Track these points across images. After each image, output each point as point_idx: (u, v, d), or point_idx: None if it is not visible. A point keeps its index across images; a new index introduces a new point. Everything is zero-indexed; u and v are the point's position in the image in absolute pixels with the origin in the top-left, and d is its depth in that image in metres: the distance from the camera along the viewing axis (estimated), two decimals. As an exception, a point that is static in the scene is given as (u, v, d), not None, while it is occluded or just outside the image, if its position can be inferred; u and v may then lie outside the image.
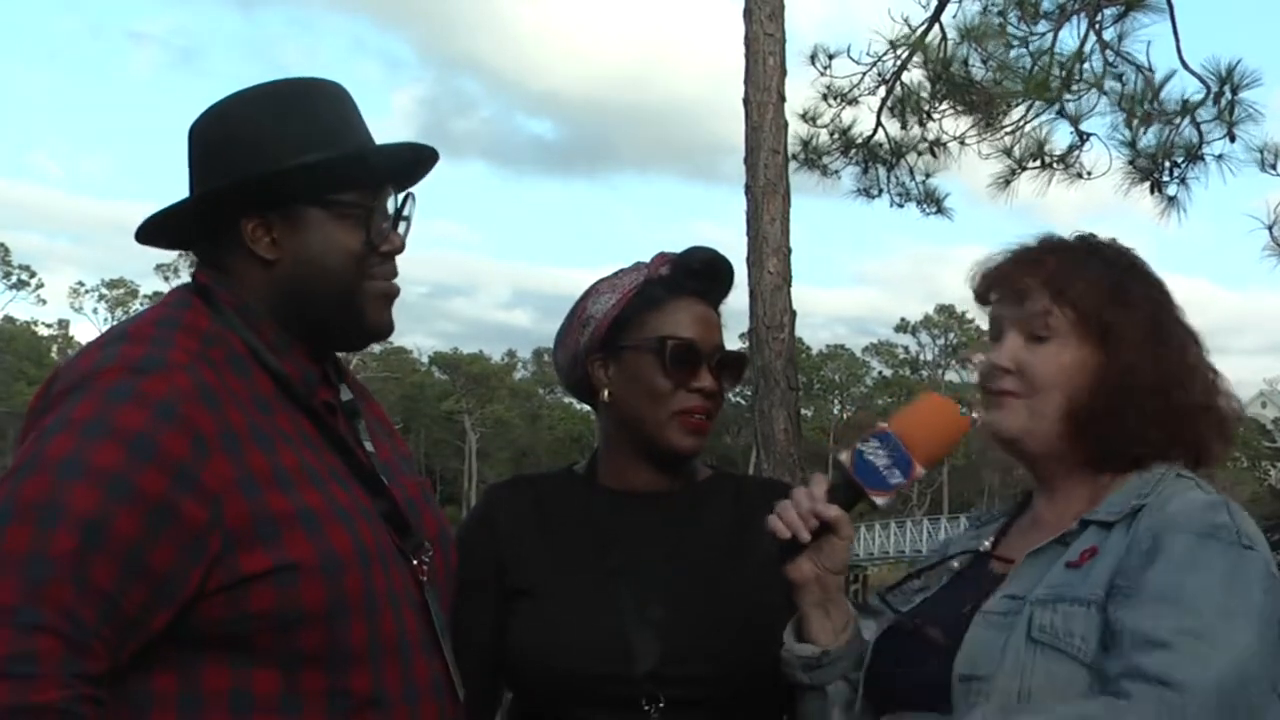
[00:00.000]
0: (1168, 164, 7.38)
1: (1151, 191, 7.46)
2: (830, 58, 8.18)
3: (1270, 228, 7.15)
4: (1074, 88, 7.34)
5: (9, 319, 77.42)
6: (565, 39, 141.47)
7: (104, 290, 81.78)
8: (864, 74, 8.11)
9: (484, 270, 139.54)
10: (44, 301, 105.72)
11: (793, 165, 7.27)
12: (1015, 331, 1.84)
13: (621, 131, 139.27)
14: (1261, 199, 8.01)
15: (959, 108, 7.92)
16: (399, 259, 1.89)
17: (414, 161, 1.92)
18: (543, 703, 2.04)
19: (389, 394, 65.03)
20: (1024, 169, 7.91)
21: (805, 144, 8.15)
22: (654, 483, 2.13)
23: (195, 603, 1.63)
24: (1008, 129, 7.87)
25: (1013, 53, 7.56)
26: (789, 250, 6.31)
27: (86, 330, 78.27)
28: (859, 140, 8.31)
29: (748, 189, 6.39)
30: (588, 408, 2.22)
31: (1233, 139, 7.18)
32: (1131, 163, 7.49)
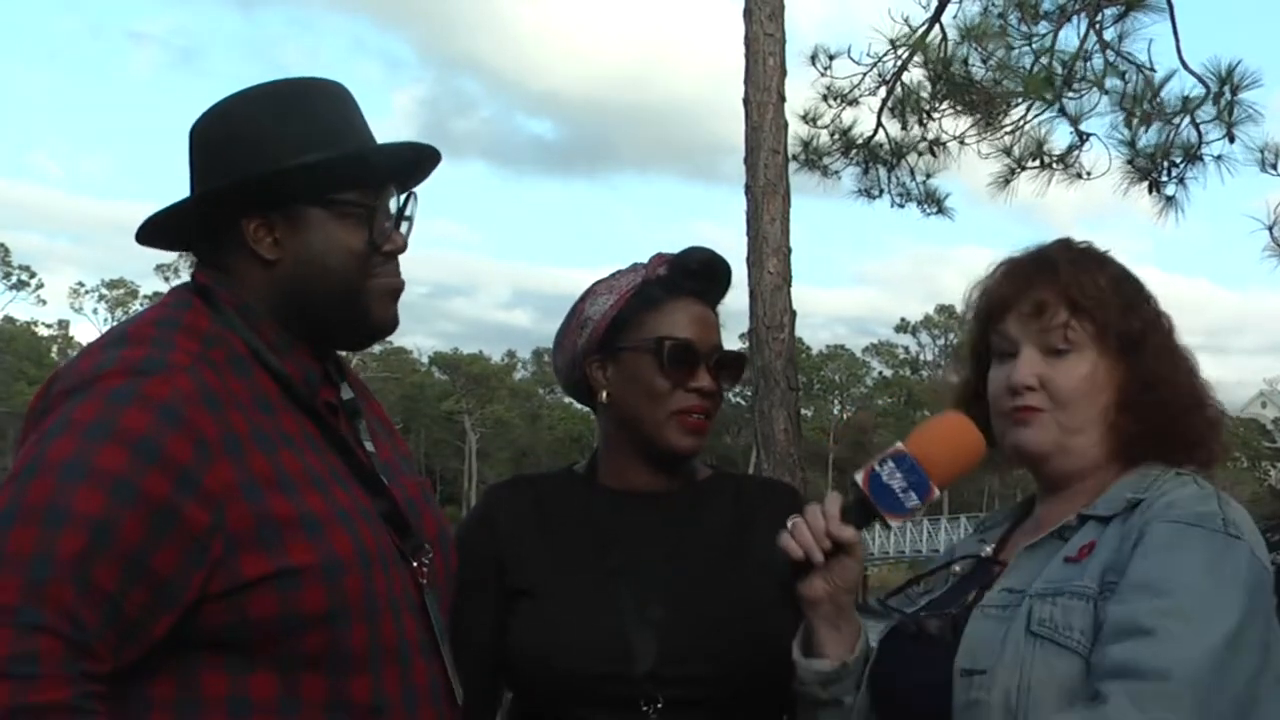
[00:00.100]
0: (1166, 164, 7.38)
1: (1150, 191, 7.47)
2: (830, 58, 8.18)
3: (1270, 228, 7.15)
4: (1075, 86, 7.34)
5: (9, 319, 77.45)
6: (565, 39, 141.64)
7: (104, 290, 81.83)
8: (864, 74, 8.11)
9: (484, 270, 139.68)
10: (44, 302, 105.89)
11: (793, 165, 7.27)
12: (1031, 347, 1.82)
13: (621, 131, 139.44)
14: (1261, 199, 8.02)
15: (959, 107, 7.92)
16: (400, 258, 1.88)
17: (416, 161, 1.91)
18: (542, 703, 2.04)
19: (389, 394, 64.97)
20: (1023, 169, 7.91)
21: (805, 144, 8.15)
22: (653, 483, 2.13)
23: (196, 607, 1.62)
24: (1007, 128, 7.87)
25: (1014, 52, 7.56)
26: (789, 250, 6.31)
27: (86, 330, 78.37)
28: (859, 141, 8.31)
29: (748, 189, 6.39)
30: (588, 408, 2.23)
31: (1232, 139, 7.18)
32: (1130, 162, 7.50)
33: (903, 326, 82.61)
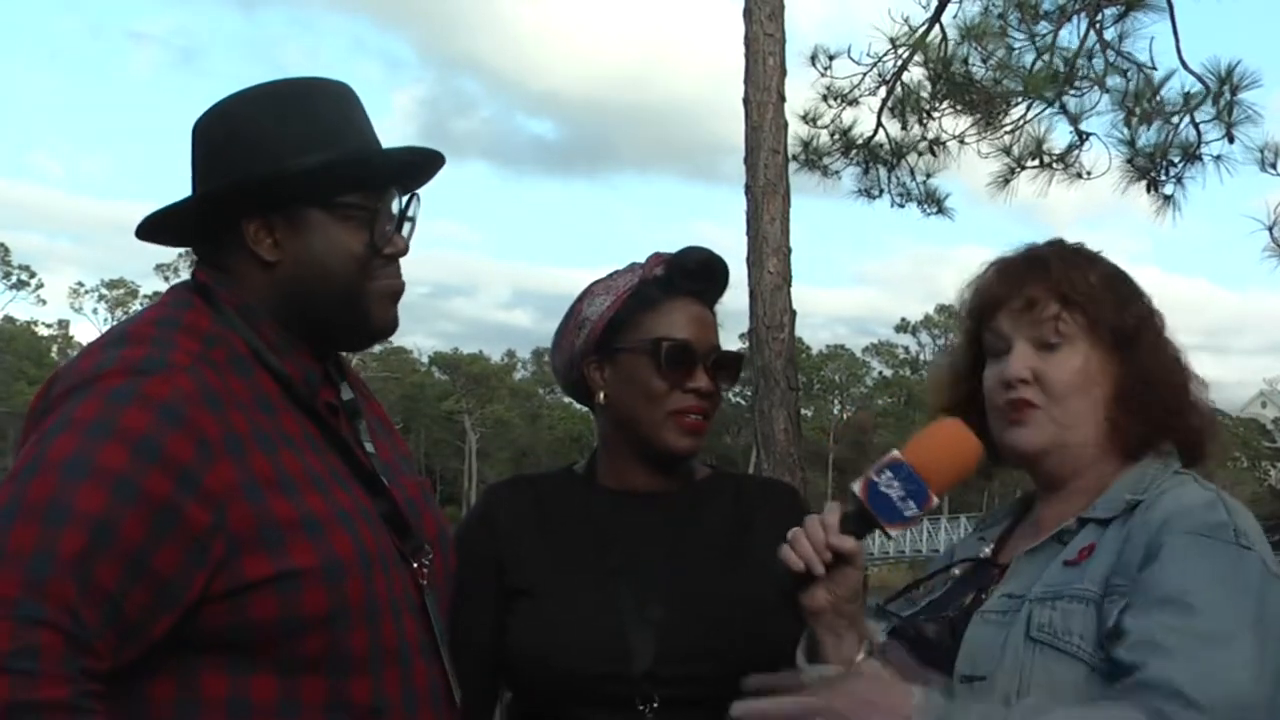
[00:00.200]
0: (1164, 163, 7.38)
1: (1148, 190, 7.47)
2: (830, 58, 8.17)
3: (1270, 228, 7.14)
4: (1076, 85, 7.35)
5: (9, 319, 77.40)
6: (565, 39, 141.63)
7: (104, 290, 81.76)
8: (864, 74, 8.11)
9: (484, 270, 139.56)
10: (44, 301, 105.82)
11: (793, 166, 7.26)
12: (1024, 342, 1.82)
13: (622, 131, 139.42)
14: (1261, 199, 8.02)
15: (959, 107, 7.92)
16: (401, 259, 1.88)
17: (418, 163, 1.91)
18: (541, 702, 2.04)
19: (389, 394, 64.96)
20: (1023, 168, 7.91)
21: (805, 144, 8.14)
22: (652, 483, 2.13)
23: (197, 608, 1.62)
24: (1007, 128, 7.87)
25: (1017, 49, 7.56)
26: (789, 250, 6.31)
27: (86, 330, 78.32)
28: (859, 141, 8.30)
29: (748, 189, 6.38)
30: (587, 408, 2.23)
31: (1231, 139, 7.18)
32: (1130, 161, 7.50)
33: (903, 326, 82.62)
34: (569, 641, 2.00)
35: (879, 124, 8.24)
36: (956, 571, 1.92)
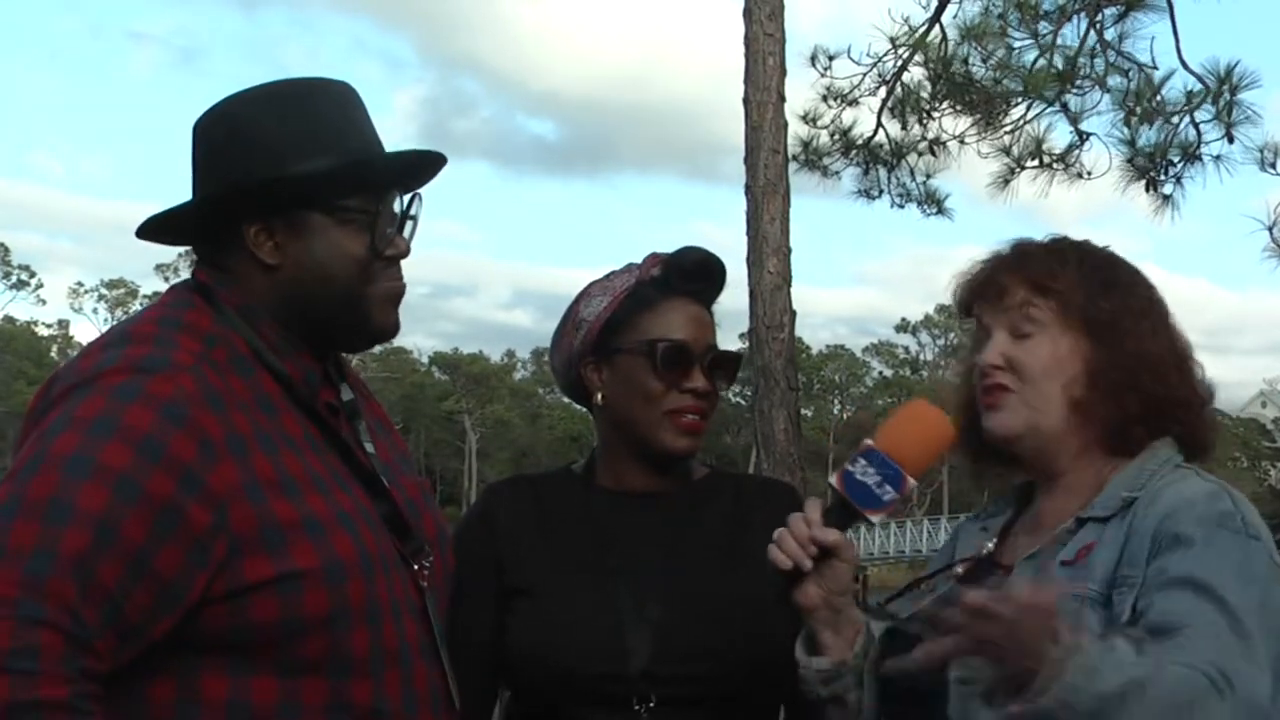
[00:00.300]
0: (1164, 163, 7.38)
1: (1147, 190, 7.47)
2: (830, 59, 8.17)
3: (1270, 228, 7.15)
4: (1077, 84, 7.35)
5: (9, 319, 77.36)
6: (565, 39, 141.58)
7: (104, 290, 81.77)
8: (864, 75, 8.11)
9: (484, 270, 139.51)
10: (44, 301, 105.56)
11: (793, 165, 7.26)
12: (1000, 330, 1.85)
13: (622, 131, 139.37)
14: (1261, 199, 8.03)
15: (959, 107, 7.92)
16: (402, 260, 1.87)
17: (420, 165, 1.90)
18: (539, 701, 2.04)
19: (389, 394, 64.95)
20: (1023, 168, 7.91)
21: (805, 144, 8.14)
22: (650, 483, 2.13)
23: (197, 609, 1.62)
24: (1007, 128, 7.87)
25: (1015, 51, 7.57)
26: (789, 250, 6.31)
27: (86, 330, 78.30)
28: (859, 141, 8.30)
29: (748, 189, 6.38)
30: (586, 409, 2.23)
31: (1231, 139, 7.18)
32: (1130, 161, 7.50)
33: (903, 326, 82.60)
34: (567, 641, 2.00)
35: (879, 124, 8.24)
36: (959, 570, 1.92)
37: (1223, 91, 7.11)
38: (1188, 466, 1.79)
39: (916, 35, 7.82)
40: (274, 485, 1.67)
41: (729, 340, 2.17)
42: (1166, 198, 7.53)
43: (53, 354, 73.90)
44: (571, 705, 2.00)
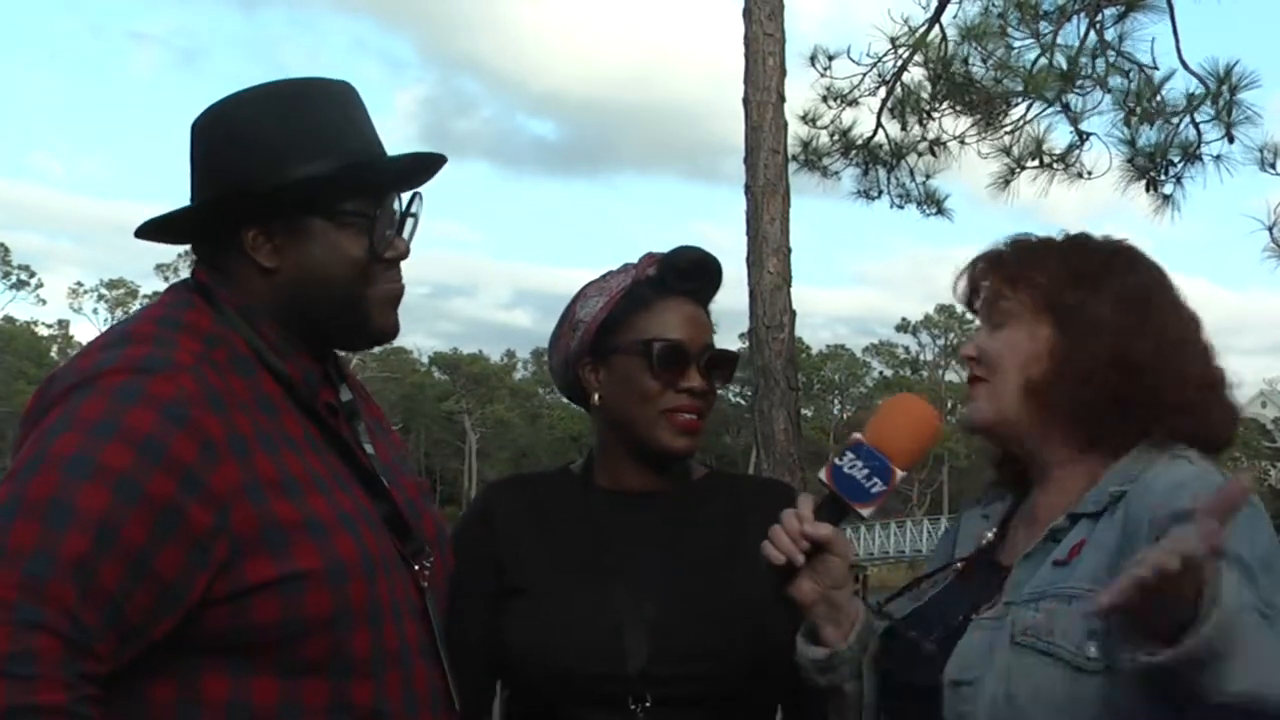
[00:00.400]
0: (1164, 163, 7.38)
1: (1146, 189, 7.46)
2: (830, 59, 8.16)
3: (1270, 228, 7.14)
4: (1078, 83, 7.34)
5: (9, 319, 77.31)
6: (566, 39, 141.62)
7: (104, 290, 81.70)
8: (864, 75, 8.10)
9: (484, 270, 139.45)
10: (44, 301, 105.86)
11: (793, 166, 7.26)
12: (983, 323, 1.88)
13: (622, 131, 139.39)
14: (1261, 199, 8.02)
15: (959, 108, 7.92)
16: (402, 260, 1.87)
17: (419, 166, 1.89)
18: (538, 700, 2.04)
19: (389, 394, 65.00)
20: (1023, 168, 7.91)
21: (805, 145, 8.13)
22: (648, 483, 2.13)
23: (198, 610, 1.61)
24: (1007, 128, 7.87)
25: (1015, 51, 7.57)
26: (789, 250, 6.30)
27: (86, 330, 78.22)
28: (859, 141, 8.30)
29: (748, 189, 6.38)
30: (584, 409, 2.23)
31: (1231, 139, 7.18)
32: (1130, 161, 7.50)
33: (903, 326, 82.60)
34: (565, 641, 2.00)
35: (879, 124, 8.23)
36: (959, 566, 1.92)
37: (1223, 91, 7.10)
38: (1183, 455, 1.76)
39: (916, 35, 7.82)
40: (275, 486, 1.66)
41: (729, 340, 2.18)
42: (1167, 198, 7.52)
43: (53, 354, 73.87)
44: (569, 705, 2.00)
